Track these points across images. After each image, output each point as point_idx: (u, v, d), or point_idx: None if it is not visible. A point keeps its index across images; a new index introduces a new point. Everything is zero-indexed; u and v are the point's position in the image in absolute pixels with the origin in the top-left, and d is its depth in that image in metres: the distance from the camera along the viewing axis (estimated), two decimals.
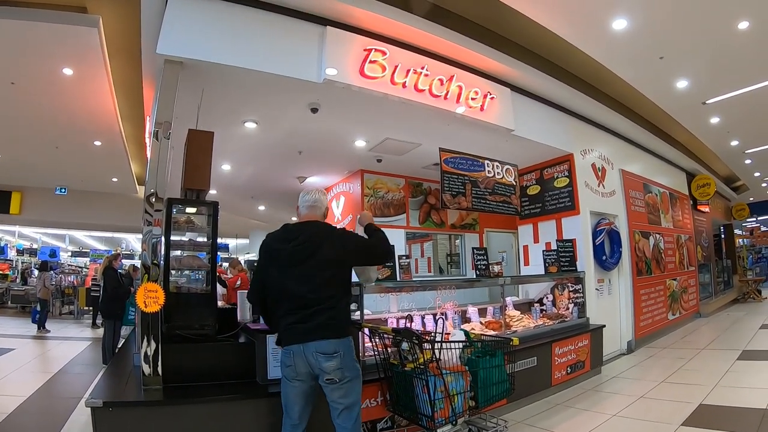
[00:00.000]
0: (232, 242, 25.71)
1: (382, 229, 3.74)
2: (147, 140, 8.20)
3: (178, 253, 4.39)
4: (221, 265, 11.27)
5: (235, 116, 6.36)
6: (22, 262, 20.13)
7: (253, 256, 23.75)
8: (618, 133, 9.71)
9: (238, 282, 7.54)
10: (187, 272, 4.51)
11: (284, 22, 5.06)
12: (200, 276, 4.49)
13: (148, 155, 8.40)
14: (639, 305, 9.22)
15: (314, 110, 5.98)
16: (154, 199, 4.07)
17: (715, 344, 9.06)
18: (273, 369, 3.93)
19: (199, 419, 3.49)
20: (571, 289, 7.31)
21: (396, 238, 9.21)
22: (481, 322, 6.08)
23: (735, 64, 7.55)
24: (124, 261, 11.56)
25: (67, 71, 6.92)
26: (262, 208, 14.65)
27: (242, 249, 25.08)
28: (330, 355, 3.14)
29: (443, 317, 4.88)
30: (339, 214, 10.35)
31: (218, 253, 4.68)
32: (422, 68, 5.74)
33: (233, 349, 4.18)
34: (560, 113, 8.08)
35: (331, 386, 3.17)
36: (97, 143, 10.22)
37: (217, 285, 5.07)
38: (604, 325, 7.25)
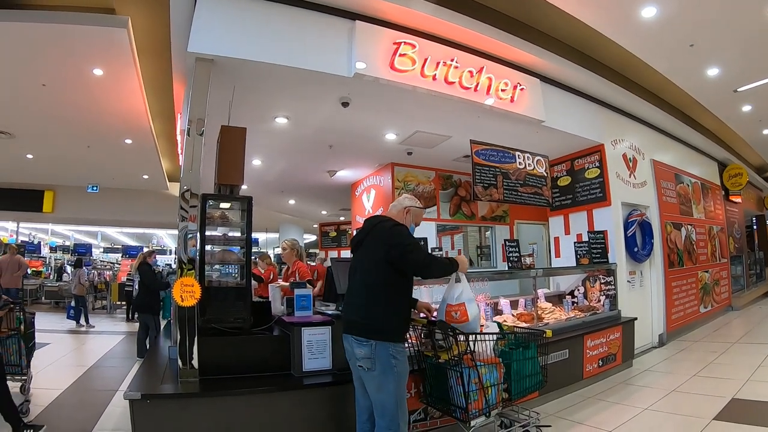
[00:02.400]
0: (262, 236, 25.91)
1: (451, 259, 3.78)
2: (178, 137, 8.33)
3: (211, 247, 4.45)
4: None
5: (266, 112, 6.41)
6: (56, 259, 20.52)
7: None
8: (648, 123, 9.56)
9: (270, 276, 7.65)
10: (218, 266, 4.57)
11: (313, 17, 5.10)
12: (234, 270, 4.54)
13: (180, 152, 8.55)
14: (671, 298, 9.09)
15: (345, 104, 6.02)
16: (189, 195, 4.10)
17: (747, 338, 8.91)
18: (308, 361, 3.98)
19: (236, 411, 3.55)
20: (602, 281, 7.23)
21: (427, 230, 9.19)
22: (512, 314, 6.05)
23: (767, 51, 7.38)
24: (156, 256, 11.70)
25: (97, 72, 7.02)
26: (292, 202, 14.76)
27: (272, 243, 25.20)
28: (361, 342, 3.26)
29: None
30: (369, 207, 10.41)
31: None
32: (452, 60, 5.73)
33: (268, 342, 4.24)
34: (590, 103, 7.99)
35: (363, 374, 3.28)
36: (128, 141, 10.39)
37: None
38: (636, 318, 7.21)
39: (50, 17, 5.81)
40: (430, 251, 5.31)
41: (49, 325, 12.24)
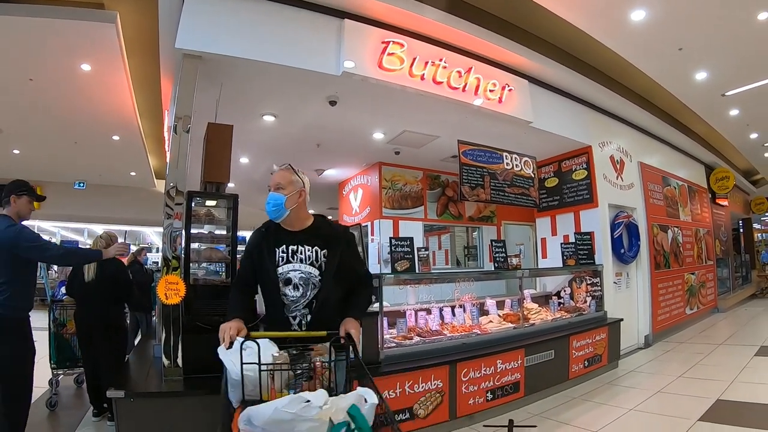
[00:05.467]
0: (249, 234, 25.74)
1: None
2: (165, 134, 8.27)
3: (197, 245, 4.42)
4: None
5: (253, 109, 6.38)
6: None
7: None
8: (637, 126, 9.62)
9: None
10: (204, 264, 4.55)
11: (302, 15, 5.07)
12: (220, 268, 4.52)
13: (167, 149, 8.49)
14: (657, 299, 9.15)
15: (332, 103, 6.00)
16: (174, 193, 4.08)
17: (732, 339, 8.96)
18: None
19: (219, 410, 3.52)
20: (588, 282, 7.27)
21: (414, 230, 9.31)
22: (499, 315, 6.08)
23: (755, 56, 7.41)
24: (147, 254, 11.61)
25: (85, 67, 6.97)
26: None
27: None
28: None
29: None
30: (357, 207, 10.42)
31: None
32: (440, 60, 5.73)
33: None
34: (579, 105, 8.02)
35: None
36: (116, 138, 10.32)
37: None
38: (622, 319, 7.25)
39: (38, 11, 5.74)
40: (416, 250, 5.31)
41: (35, 322, 12.11)
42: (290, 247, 2.86)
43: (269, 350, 2.34)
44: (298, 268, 2.82)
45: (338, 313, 2.79)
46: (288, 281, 2.81)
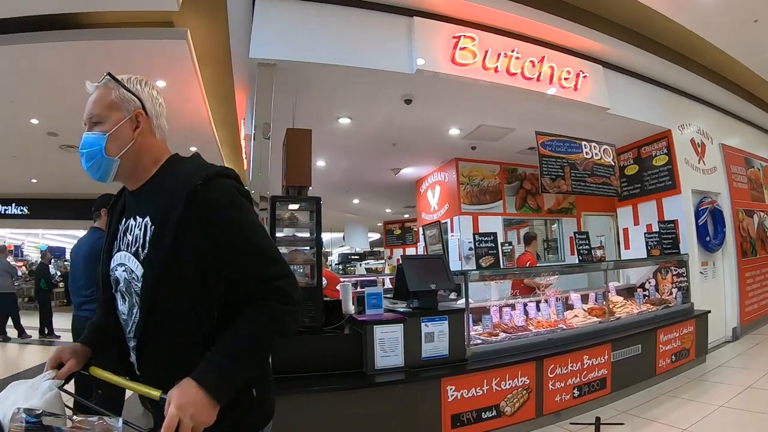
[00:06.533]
0: (326, 236, 26.00)
1: None
2: (242, 142, 8.50)
3: (283, 249, 4.49)
4: None
5: (329, 113, 6.49)
6: None
7: (348, 249, 23.98)
8: (715, 105, 9.14)
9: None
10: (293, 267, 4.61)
11: (371, 16, 5.14)
12: (305, 270, 4.58)
13: (244, 157, 8.69)
14: (744, 289, 8.72)
15: (408, 101, 6.04)
16: (258, 198, 4.18)
17: None
18: (380, 359, 4.01)
19: (308, 409, 3.61)
20: (674, 273, 7.02)
21: (493, 225, 9.21)
22: (583, 309, 5.94)
23: None
24: None
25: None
26: (356, 201, 14.86)
27: (336, 242, 25.25)
28: None
29: None
30: (435, 204, 10.45)
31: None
32: (513, 51, 5.67)
33: (340, 340, 4.24)
34: (655, 87, 7.72)
35: None
36: (193, 149, 10.60)
37: None
38: (709, 311, 6.93)
39: (111, 34, 6.00)
40: (500, 245, 5.26)
41: None
42: (127, 222, 1.61)
43: (43, 398, 1.33)
44: (123, 261, 1.57)
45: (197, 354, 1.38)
46: (116, 283, 1.60)
